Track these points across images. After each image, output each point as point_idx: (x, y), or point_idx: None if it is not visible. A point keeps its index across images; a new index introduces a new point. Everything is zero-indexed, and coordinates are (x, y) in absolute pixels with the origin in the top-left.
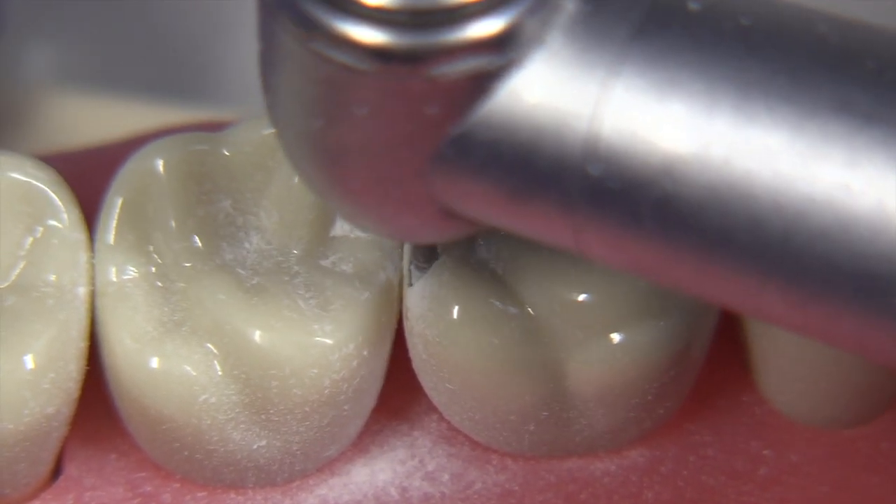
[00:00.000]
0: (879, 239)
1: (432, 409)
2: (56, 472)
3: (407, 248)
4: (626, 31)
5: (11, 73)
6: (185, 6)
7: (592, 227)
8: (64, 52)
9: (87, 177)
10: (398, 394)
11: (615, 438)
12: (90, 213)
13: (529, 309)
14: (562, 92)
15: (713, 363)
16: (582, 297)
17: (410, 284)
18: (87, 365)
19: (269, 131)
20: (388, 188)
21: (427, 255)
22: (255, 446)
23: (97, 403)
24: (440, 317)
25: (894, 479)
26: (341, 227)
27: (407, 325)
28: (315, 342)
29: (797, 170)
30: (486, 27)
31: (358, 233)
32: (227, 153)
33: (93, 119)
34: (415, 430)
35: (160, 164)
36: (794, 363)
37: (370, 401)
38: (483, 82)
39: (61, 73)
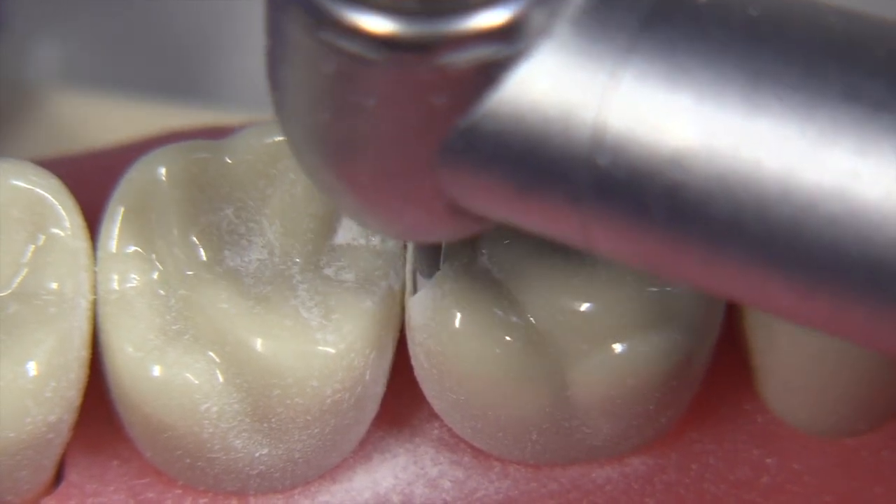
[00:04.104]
0: (889, 226)
1: (434, 416)
2: (58, 478)
3: (409, 257)
4: (634, 23)
5: (14, 72)
6: (189, 7)
7: (600, 219)
8: (67, 52)
9: (90, 182)
10: (400, 401)
11: (617, 447)
12: (92, 218)
13: (532, 318)
14: (569, 82)
15: (716, 371)
16: (584, 307)
17: (413, 293)
18: (89, 372)
19: (271, 139)
20: (396, 182)
21: (430, 266)
22: (257, 454)
23: (99, 410)
24: (442, 326)
25: None
26: (343, 236)
27: (409, 333)
28: (317, 351)
29: (806, 158)
30: (493, 16)
31: (360, 241)
32: (229, 161)
33: (96, 120)
34: (416, 438)
35: (163, 172)
36: (796, 372)
37: (372, 408)
38: (491, 72)
39: (64, 74)
